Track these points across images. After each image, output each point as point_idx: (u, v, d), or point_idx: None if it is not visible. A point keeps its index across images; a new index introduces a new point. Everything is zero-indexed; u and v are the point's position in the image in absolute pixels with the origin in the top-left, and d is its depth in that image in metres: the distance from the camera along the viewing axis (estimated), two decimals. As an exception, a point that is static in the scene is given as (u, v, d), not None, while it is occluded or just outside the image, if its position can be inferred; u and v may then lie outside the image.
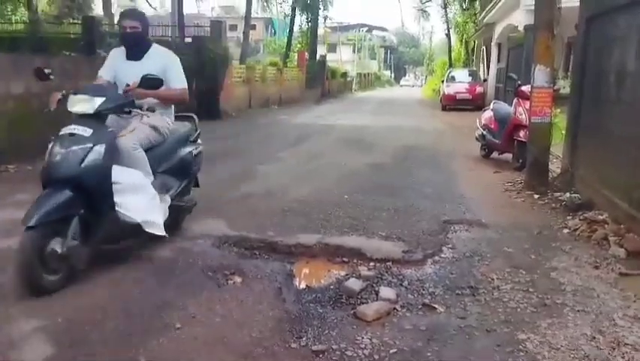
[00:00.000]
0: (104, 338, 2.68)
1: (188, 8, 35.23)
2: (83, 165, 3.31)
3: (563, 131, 6.48)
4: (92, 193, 3.32)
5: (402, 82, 74.26)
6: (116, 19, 28.00)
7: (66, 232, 3.20)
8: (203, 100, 13.41)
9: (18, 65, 7.44)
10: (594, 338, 2.73)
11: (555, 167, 6.41)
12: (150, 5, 35.43)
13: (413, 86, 62.65)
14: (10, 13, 21.87)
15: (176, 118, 4.44)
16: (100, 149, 3.39)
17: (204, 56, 13.37)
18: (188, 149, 4.33)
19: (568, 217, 4.84)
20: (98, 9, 24.81)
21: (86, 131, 3.50)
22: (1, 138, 6.83)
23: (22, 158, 6.96)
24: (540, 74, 5.79)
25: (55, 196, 3.23)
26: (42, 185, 3.43)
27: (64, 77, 8.27)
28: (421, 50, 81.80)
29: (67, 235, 3.20)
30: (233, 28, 34.65)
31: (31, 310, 2.94)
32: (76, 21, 15.44)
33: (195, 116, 4.77)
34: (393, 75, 79.24)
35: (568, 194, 5.39)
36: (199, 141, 4.64)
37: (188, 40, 15.33)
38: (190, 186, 4.45)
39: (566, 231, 4.54)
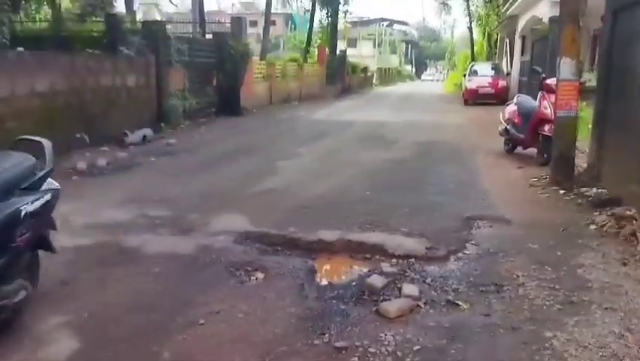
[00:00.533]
0: (129, 334, 2.71)
1: (209, 5, 35.34)
2: None
3: (589, 125, 6.34)
4: None
5: (423, 76, 73.68)
6: (138, 16, 28.29)
7: None
8: (224, 96, 13.49)
9: (42, 62, 7.56)
10: (622, 335, 2.68)
11: (581, 162, 6.27)
12: (171, 2, 35.70)
13: (433, 81, 62.08)
14: (34, 11, 22.21)
15: (15, 145, 3.15)
16: None
17: (225, 53, 13.42)
18: (12, 204, 2.55)
19: (594, 213, 4.74)
20: (120, 6, 25.10)
21: None
22: (27, 135, 6.93)
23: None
24: (566, 67, 5.67)
25: None
26: None
27: (89, 73, 8.43)
28: (442, 44, 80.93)
29: None
30: (254, 24, 34.76)
31: (56, 305, 2.99)
32: (98, 19, 15.59)
33: (46, 143, 3.24)
34: (414, 70, 78.53)
35: (594, 189, 5.28)
36: (49, 184, 3.11)
37: (209, 36, 15.41)
38: (14, 268, 2.66)
39: (592, 227, 4.45)
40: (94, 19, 16.48)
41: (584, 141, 6.54)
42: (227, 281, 3.38)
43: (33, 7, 22.45)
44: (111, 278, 3.39)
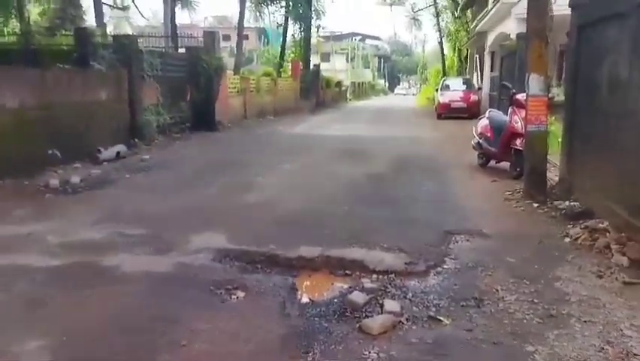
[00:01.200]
0: (109, 357, 2.65)
1: (181, 19, 35.21)
2: None
3: (559, 139, 6.50)
4: None
5: (396, 90, 74.54)
6: (109, 30, 27.94)
7: None
8: (199, 111, 13.40)
9: (11, 77, 7.39)
10: (603, 348, 2.73)
11: (553, 175, 6.42)
12: (142, 16, 35.53)
13: (406, 95, 62.88)
14: (1, 24, 21.79)
15: None
16: None
17: (198, 67, 13.36)
18: None
19: (568, 226, 4.84)
20: (90, 19, 24.80)
21: None
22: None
23: (18, 173, 6.90)
24: (534, 83, 5.81)
25: None
26: None
27: (60, 88, 8.27)
28: (414, 58, 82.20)
29: None
30: (227, 38, 34.75)
31: (34, 328, 2.91)
32: (68, 32, 15.37)
33: None
34: (387, 84, 79.50)
35: (567, 202, 5.40)
36: None
37: (182, 50, 15.34)
38: None
39: (567, 240, 4.54)
40: (64, 32, 16.24)
41: (554, 155, 6.70)
42: (208, 300, 3.34)
43: (1, 20, 22.03)
44: (89, 299, 3.31)
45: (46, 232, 4.61)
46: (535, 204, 5.68)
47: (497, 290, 3.48)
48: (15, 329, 2.89)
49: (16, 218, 5.17)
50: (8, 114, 7.10)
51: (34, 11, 24.58)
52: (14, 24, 21.75)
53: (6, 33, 18.87)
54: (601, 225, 4.52)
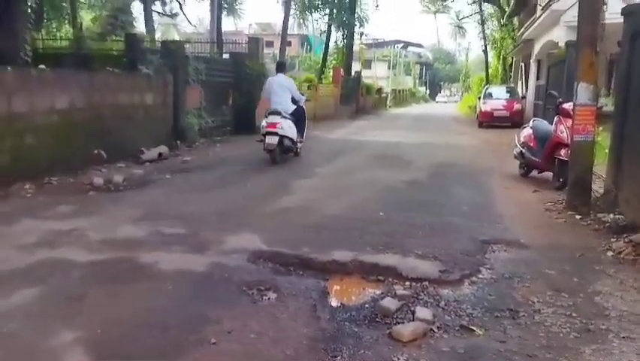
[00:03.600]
0: (141, 351, 2.71)
1: (226, 26, 35.98)
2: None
3: (606, 150, 6.29)
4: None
5: (437, 98, 73.77)
6: (157, 36, 28.72)
7: None
8: (240, 115, 13.63)
9: (62, 80, 7.70)
10: (642, 366, 2.61)
11: (597, 187, 6.21)
12: (190, 23, 36.41)
13: (447, 103, 62.12)
14: (55, 29, 22.74)
15: None
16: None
17: (241, 72, 13.61)
18: None
19: (612, 239, 4.68)
20: (140, 26, 25.60)
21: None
22: (46, 151, 7.06)
23: (64, 171, 7.18)
24: (583, 91, 5.65)
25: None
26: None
27: (108, 91, 8.57)
28: (456, 66, 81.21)
29: None
30: (270, 44, 35.23)
31: (70, 320, 3.00)
32: (119, 38, 15.90)
33: None
34: (428, 91, 78.78)
35: (611, 215, 5.21)
36: None
37: (226, 56, 15.64)
38: None
39: (609, 253, 4.38)
40: (114, 38, 16.81)
41: (600, 166, 6.49)
42: (240, 300, 3.38)
43: (54, 26, 23.01)
44: (124, 294, 3.40)
45: (87, 228, 4.77)
46: (578, 216, 5.50)
47: (533, 302, 3.39)
48: (51, 321, 2.99)
49: (60, 214, 5.37)
50: (58, 115, 7.40)
51: (86, 17, 25.57)
52: (67, 29, 22.67)
53: (59, 38, 19.67)
54: (646, 239, 4.34)
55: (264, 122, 8.93)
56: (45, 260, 3.95)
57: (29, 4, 9.00)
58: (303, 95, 10.28)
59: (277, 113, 8.90)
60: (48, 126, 7.21)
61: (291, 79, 10.79)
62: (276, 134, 8.70)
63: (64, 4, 22.15)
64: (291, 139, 9.10)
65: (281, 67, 10.22)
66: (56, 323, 2.97)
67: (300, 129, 9.58)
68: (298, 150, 9.72)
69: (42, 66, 7.95)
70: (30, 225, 4.91)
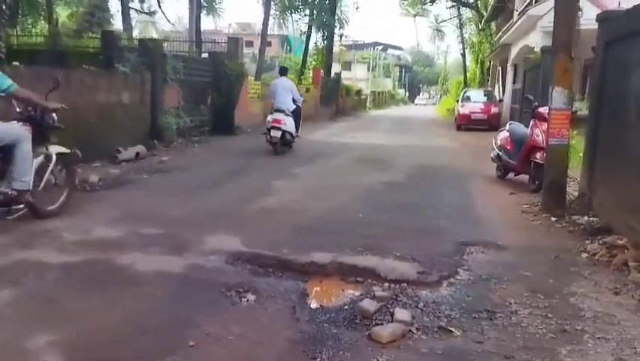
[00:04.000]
0: (119, 355, 2.66)
1: (206, 25, 35.68)
2: None
3: (581, 154, 6.41)
4: None
5: (416, 100, 74.37)
6: (135, 34, 28.40)
7: None
8: (219, 115, 13.53)
9: (37, 77, 7.54)
10: (616, 366, 2.66)
11: (572, 190, 6.32)
12: (168, 21, 36.04)
13: (426, 105, 62.68)
14: (30, 26, 22.32)
15: None
16: None
17: (220, 72, 13.51)
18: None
19: (586, 241, 4.76)
20: (117, 23, 25.27)
21: None
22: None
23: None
24: (558, 96, 5.75)
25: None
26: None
27: (85, 89, 8.42)
28: (435, 69, 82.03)
29: None
30: (250, 44, 35.03)
31: (45, 323, 2.94)
32: (95, 35, 15.68)
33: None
34: (407, 94, 79.46)
35: (586, 217, 5.30)
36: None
37: (205, 55, 15.53)
38: None
39: (584, 255, 4.46)
40: (91, 35, 16.56)
41: (575, 169, 6.61)
42: (219, 302, 3.35)
43: (29, 22, 22.57)
44: (100, 297, 3.34)
45: (62, 229, 4.68)
46: (553, 218, 5.59)
47: (511, 303, 3.42)
48: (25, 324, 2.92)
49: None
50: (32, 113, 7.23)
51: (62, 14, 25.15)
52: (43, 26, 22.27)
53: (34, 34, 19.32)
54: (619, 241, 4.43)
55: (269, 118, 10.41)
56: (18, 261, 3.86)
57: (3, -1, 8.79)
58: (301, 96, 11.48)
59: (282, 111, 10.42)
60: (22, 124, 7.03)
61: (292, 82, 12.33)
62: (279, 129, 10.18)
63: (40, 0, 21.75)
64: (290, 133, 10.64)
65: (284, 71, 11.84)
66: (30, 326, 2.90)
67: (297, 125, 11.05)
68: (293, 142, 11.14)
69: (16, 63, 7.78)
70: (2, 225, 4.79)
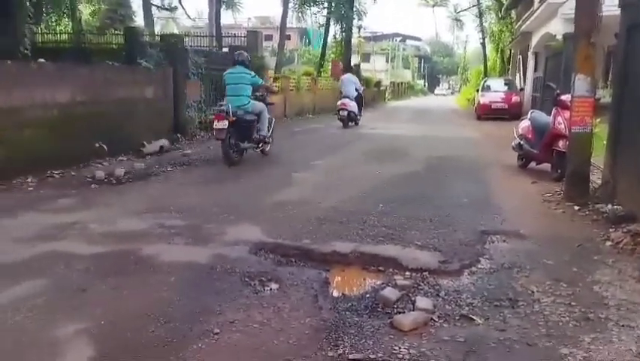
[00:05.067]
0: (145, 343, 2.74)
1: (225, 19, 35.90)
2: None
3: (604, 142, 6.32)
4: None
5: (436, 91, 73.69)
6: (157, 30, 28.63)
7: None
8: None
9: (62, 73, 7.71)
10: (639, 354, 2.65)
11: (595, 178, 6.24)
12: (189, 16, 36.30)
13: (446, 95, 62.08)
14: (54, 23, 22.68)
15: None
16: None
17: (240, 66, 13.56)
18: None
19: (610, 230, 4.71)
20: (139, 20, 25.54)
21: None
22: (47, 145, 7.07)
23: (65, 164, 7.20)
24: (581, 83, 5.68)
25: None
26: None
27: (109, 85, 8.57)
28: (454, 59, 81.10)
29: None
30: (269, 38, 35.13)
31: (74, 313, 3.03)
32: (118, 32, 15.87)
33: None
34: (426, 84, 78.72)
35: (609, 206, 5.25)
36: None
37: (225, 50, 15.63)
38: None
39: (608, 243, 4.42)
40: (113, 32, 16.78)
41: (598, 158, 6.52)
42: (242, 291, 3.41)
43: (54, 20, 22.94)
44: (127, 286, 3.43)
45: (89, 221, 4.80)
46: (576, 207, 5.54)
47: (533, 292, 3.42)
48: (55, 314, 3.02)
49: (62, 207, 5.39)
50: (58, 108, 7.42)
51: (85, 11, 25.49)
52: (66, 23, 22.60)
53: (58, 32, 19.62)
54: (644, 229, 4.38)
55: (338, 103, 15.14)
56: (47, 253, 3.98)
57: (28, -2, 8.98)
58: (362, 86, 16.67)
59: (347, 97, 15.06)
60: (49, 120, 7.22)
61: (355, 76, 16.83)
62: (345, 109, 14.88)
63: (63, -2, 22.09)
64: (354, 112, 15.17)
65: (349, 68, 18.26)
66: (60, 315, 3.00)
67: (359, 107, 15.57)
68: (359, 120, 15.56)
69: (41, 60, 7.95)
70: (32, 218, 4.94)
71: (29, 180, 6.48)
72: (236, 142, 8.15)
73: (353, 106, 14.91)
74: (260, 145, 8.87)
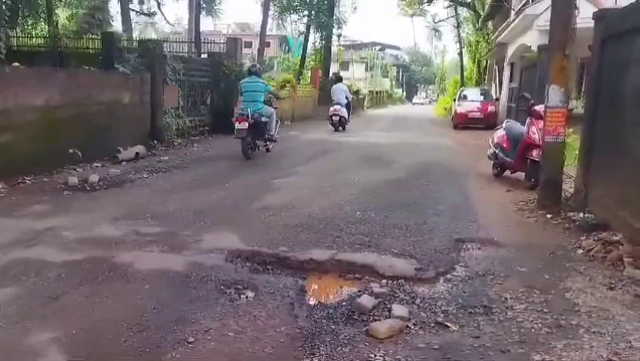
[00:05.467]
0: (118, 352, 2.70)
1: (205, 25, 35.74)
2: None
3: (576, 152, 6.46)
4: None
5: (414, 100, 74.32)
6: (135, 35, 28.38)
7: None
8: (218, 115, 13.55)
9: (37, 78, 7.58)
10: (610, 360, 2.70)
11: (568, 187, 6.36)
12: (168, 22, 36.08)
13: (424, 104, 62.67)
14: (30, 27, 22.31)
15: None
16: None
17: (219, 72, 13.57)
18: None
19: (582, 238, 4.80)
20: (117, 24, 25.29)
21: None
22: (20, 150, 6.94)
23: (39, 170, 7.07)
24: (554, 94, 5.79)
25: None
26: None
27: (85, 90, 8.47)
28: (433, 68, 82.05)
29: None
30: (249, 45, 35.00)
31: (46, 321, 2.98)
32: (95, 37, 15.69)
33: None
34: (405, 93, 79.41)
35: (581, 214, 5.35)
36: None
37: (204, 56, 15.56)
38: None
39: (579, 251, 4.50)
40: (91, 36, 16.56)
41: (570, 167, 6.65)
42: (218, 299, 3.39)
43: (30, 23, 22.56)
44: (101, 294, 3.38)
45: (63, 228, 4.72)
46: (549, 215, 5.64)
47: (507, 299, 3.47)
48: (27, 322, 2.97)
49: (34, 214, 5.30)
50: (32, 113, 7.30)
51: (62, 15, 25.12)
52: (43, 27, 22.25)
53: (35, 36, 19.29)
54: (615, 237, 4.48)
55: (331, 109, 16.84)
56: (20, 260, 3.91)
57: (4, 1, 8.81)
58: (351, 94, 19.16)
59: (338, 104, 16.76)
60: (22, 125, 7.09)
61: (345, 85, 18.73)
62: (337, 115, 16.57)
63: (40, 2, 21.74)
64: (345, 117, 16.85)
65: (339, 78, 19.07)
66: (32, 323, 2.95)
67: (348, 113, 17.25)
68: (347, 125, 17.13)
69: (16, 64, 7.81)
70: (3, 224, 4.84)
71: (0, 186, 6.34)
72: (253, 140, 9.64)
73: (344, 112, 16.84)
74: (267, 143, 10.38)
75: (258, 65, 10.70)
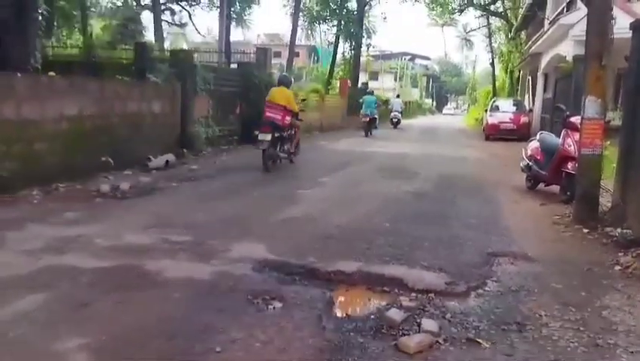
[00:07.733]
0: (147, 359, 2.70)
1: (235, 36, 36.30)
2: None
3: (614, 165, 6.27)
4: None
5: (444, 110, 73.81)
6: (166, 45, 28.94)
7: None
8: (247, 125, 13.63)
9: (72, 87, 7.76)
10: (651, 383, 2.58)
11: (605, 201, 6.18)
12: (199, 32, 36.73)
13: (454, 115, 62.15)
14: (65, 37, 22.99)
15: None
16: None
17: (249, 82, 13.67)
18: None
19: (619, 254, 4.65)
20: (149, 35, 25.86)
21: None
22: (54, 158, 7.10)
23: (72, 177, 7.22)
24: (591, 105, 5.65)
25: None
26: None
27: (117, 99, 8.64)
28: (463, 79, 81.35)
29: None
30: (278, 55, 35.42)
31: (76, 327, 3.00)
32: (128, 47, 16.06)
33: None
34: (434, 103, 78.92)
35: (619, 229, 5.18)
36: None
37: (234, 66, 15.76)
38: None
39: (617, 268, 4.35)
40: (124, 46, 16.96)
41: (607, 180, 6.47)
42: (246, 309, 3.37)
43: (64, 34, 23.26)
44: (130, 302, 3.40)
45: (94, 235, 4.79)
46: (585, 230, 5.48)
47: (541, 316, 3.36)
48: (57, 328, 2.99)
49: (67, 220, 5.39)
50: (67, 122, 7.46)
51: (96, 26, 25.84)
52: (77, 37, 22.91)
53: (69, 46, 19.86)
54: (655, 254, 4.31)
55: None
56: (51, 266, 3.96)
57: (40, 12, 9.08)
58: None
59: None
60: (57, 133, 7.26)
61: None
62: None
63: (74, 13, 22.41)
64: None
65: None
66: (62, 329, 2.97)
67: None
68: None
69: (52, 73, 8.02)
70: (37, 230, 4.93)
71: (35, 192, 6.49)
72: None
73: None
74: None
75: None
